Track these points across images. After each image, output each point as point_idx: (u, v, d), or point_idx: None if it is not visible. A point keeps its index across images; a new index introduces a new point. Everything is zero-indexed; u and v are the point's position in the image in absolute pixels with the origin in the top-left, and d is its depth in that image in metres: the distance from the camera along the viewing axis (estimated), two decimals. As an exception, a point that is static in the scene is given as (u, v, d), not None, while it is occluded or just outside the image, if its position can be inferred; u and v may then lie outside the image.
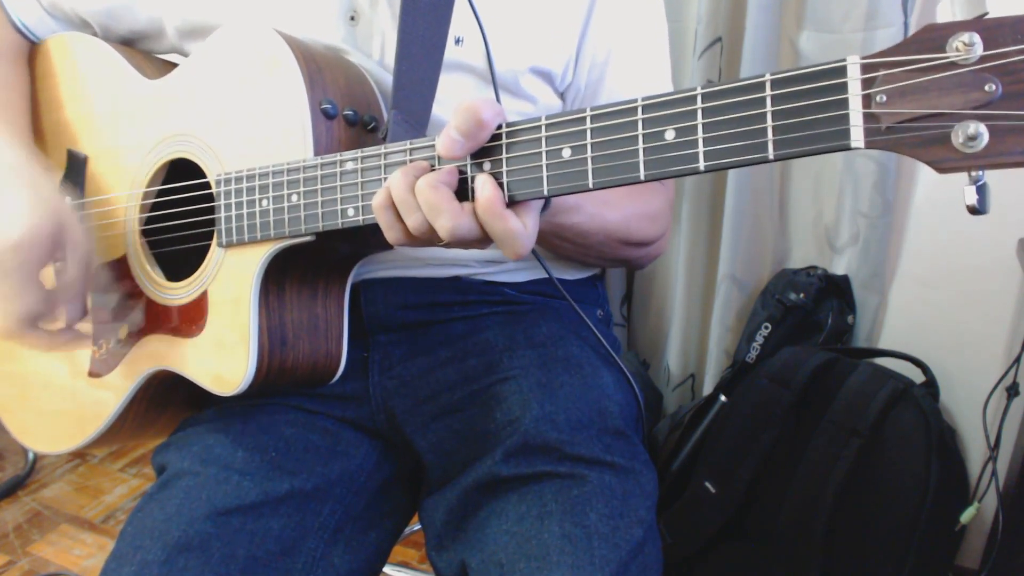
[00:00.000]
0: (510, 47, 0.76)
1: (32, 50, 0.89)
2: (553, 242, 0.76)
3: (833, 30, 1.24)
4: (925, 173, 1.26)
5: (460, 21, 0.73)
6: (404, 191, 0.55)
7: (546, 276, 0.87)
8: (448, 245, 0.57)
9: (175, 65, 0.81)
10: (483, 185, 0.53)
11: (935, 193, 1.27)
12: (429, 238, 0.57)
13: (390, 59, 0.76)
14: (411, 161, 0.58)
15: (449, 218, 0.53)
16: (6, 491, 1.83)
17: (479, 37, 0.75)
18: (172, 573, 0.64)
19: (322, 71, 0.68)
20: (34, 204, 0.70)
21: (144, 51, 0.87)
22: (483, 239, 0.55)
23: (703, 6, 1.30)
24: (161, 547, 0.66)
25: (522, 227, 0.54)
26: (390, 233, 0.58)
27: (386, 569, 1.08)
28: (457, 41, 0.75)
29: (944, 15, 1.18)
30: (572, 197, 0.68)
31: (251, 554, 0.68)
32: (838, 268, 1.37)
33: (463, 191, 0.55)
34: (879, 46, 1.18)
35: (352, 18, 0.76)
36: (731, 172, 1.34)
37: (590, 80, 0.83)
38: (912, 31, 1.18)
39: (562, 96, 0.84)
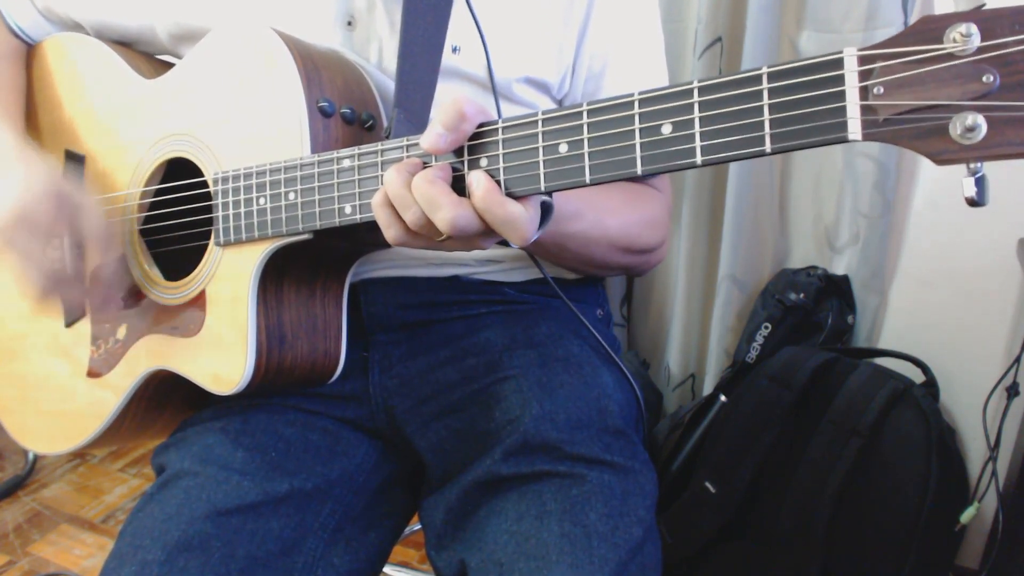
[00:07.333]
0: (503, 57, 0.77)
1: (29, 51, 0.89)
2: (556, 252, 0.76)
3: (833, 30, 1.24)
4: (925, 173, 1.26)
5: (457, 31, 0.74)
6: (400, 187, 0.55)
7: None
8: (448, 242, 0.57)
9: (172, 65, 0.81)
10: (478, 178, 0.53)
11: (935, 193, 1.27)
12: (428, 234, 0.57)
13: (387, 64, 0.76)
14: (407, 158, 0.58)
15: (448, 210, 0.53)
16: (6, 491, 1.83)
17: (475, 47, 0.75)
18: (172, 573, 0.64)
19: (319, 69, 0.68)
20: (29, 177, 0.70)
21: (141, 51, 0.87)
22: (484, 231, 0.55)
23: (703, 6, 1.30)
24: (161, 547, 0.66)
25: (523, 210, 0.53)
26: (389, 231, 0.58)
27: (386, 569, 1.08)
28: (454, 50, 0.76)
29: (944, 11, 1.18)
30: (573, 204, 0.68)
31: (251, 554, 0.67)
32: (838, 268, 1.37)
33: (460, 189, 0.55)
34: (878, 45, 1.19)
35: (349, 23, 0.76)
36: (731, 172, 1.34)
37: (586, 91, 0.84)
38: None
39: (560, 104, 0.84)
